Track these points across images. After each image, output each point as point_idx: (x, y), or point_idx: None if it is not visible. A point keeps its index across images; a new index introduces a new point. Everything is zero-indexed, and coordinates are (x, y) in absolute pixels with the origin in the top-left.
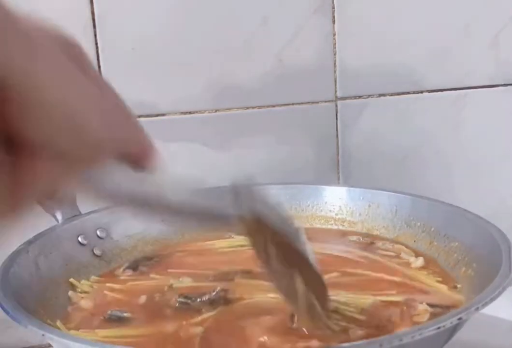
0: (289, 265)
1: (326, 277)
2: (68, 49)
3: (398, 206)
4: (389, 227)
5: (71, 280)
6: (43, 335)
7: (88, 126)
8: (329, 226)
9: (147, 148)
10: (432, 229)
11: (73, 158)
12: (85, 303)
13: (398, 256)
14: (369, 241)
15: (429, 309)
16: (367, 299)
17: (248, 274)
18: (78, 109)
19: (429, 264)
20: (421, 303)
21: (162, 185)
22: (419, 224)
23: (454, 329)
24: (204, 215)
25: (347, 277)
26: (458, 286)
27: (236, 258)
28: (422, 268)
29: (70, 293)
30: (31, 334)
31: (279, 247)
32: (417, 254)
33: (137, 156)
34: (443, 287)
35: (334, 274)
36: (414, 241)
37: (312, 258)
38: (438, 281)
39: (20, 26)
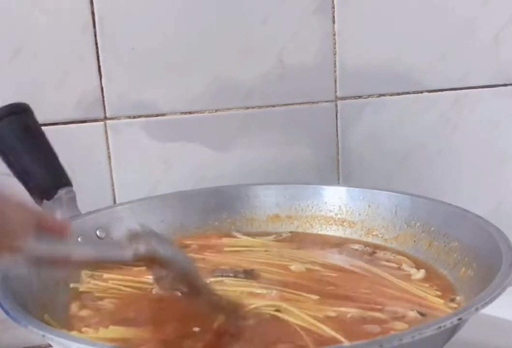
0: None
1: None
2: None
3: (398, 206)
4: (389, 227)
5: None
6: (43, 335)
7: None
8: (329, 226)
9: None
10: (432, 229)
11: None
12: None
13: (399, 268)
14: (371, 251)
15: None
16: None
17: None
18: None
19: (431, 276)
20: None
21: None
22: (419, 224)
23: (454, 329)
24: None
25: (344, 290)
26: (457, 298)
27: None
28: (423, 280)
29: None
30: (31, 334)
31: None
32: (418, 264)
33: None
34: (439, 301)
35: (331, 287)
36: (414, 241)
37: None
38: (437, 296)
39: None
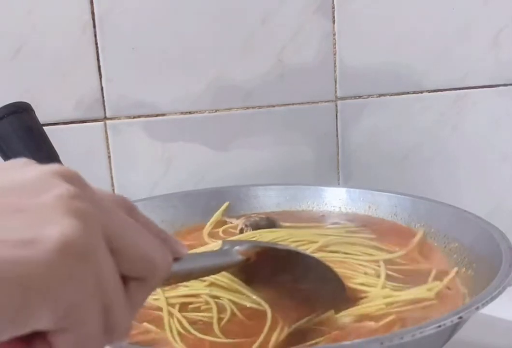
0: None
1: None
2: (125, 206)
3: (398, 207)
4: None
5: None
6: None
7: (154, 258)
8: None
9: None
10: (432, 230)
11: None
12: None
13: None
14: None
15: None
16: None
17: None
18: (146, 249)
19: None
20: None
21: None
22: (419, 225)
23: (454, 328)
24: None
25: None
26: None
27: None
28: None
29: None
30: None
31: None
32: None
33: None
34: None
35: None
36: None
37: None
38: None
39: (99, 196)
